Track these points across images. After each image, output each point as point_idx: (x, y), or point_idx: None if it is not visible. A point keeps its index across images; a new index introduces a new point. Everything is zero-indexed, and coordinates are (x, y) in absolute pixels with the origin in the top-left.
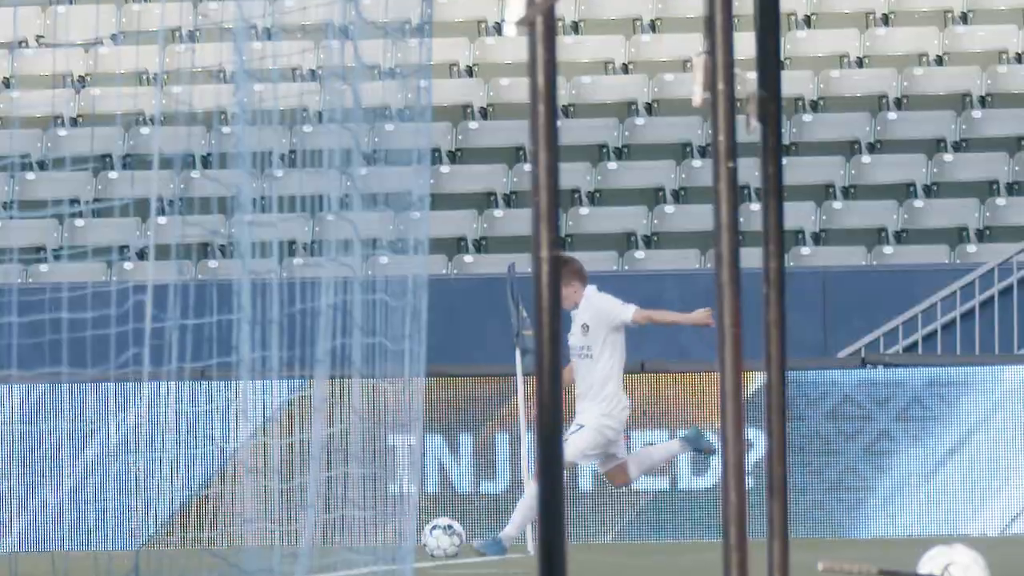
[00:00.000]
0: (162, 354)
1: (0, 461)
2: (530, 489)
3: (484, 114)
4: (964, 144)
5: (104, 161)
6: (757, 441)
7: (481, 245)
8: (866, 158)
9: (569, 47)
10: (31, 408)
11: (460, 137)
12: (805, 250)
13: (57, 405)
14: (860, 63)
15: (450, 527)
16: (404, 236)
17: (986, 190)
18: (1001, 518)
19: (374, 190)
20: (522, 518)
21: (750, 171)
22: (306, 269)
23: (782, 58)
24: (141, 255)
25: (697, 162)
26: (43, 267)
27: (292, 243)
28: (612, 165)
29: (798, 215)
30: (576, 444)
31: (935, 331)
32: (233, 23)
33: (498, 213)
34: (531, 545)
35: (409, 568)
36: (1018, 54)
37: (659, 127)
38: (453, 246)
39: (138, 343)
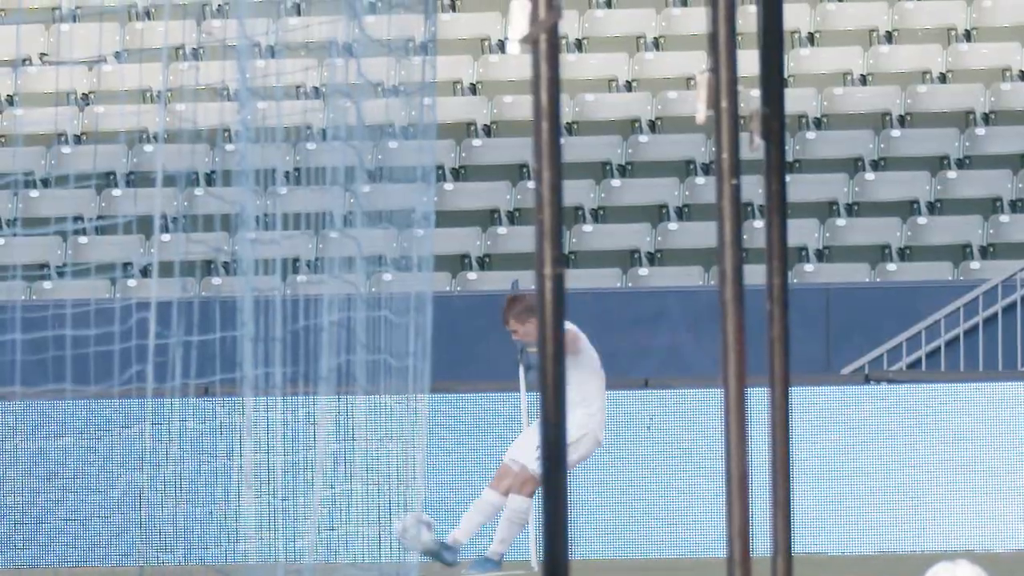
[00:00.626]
0: (166, 371)
1: (2, 477)
2: (512, 503)
3: (488, 131)
4: (967, 161)
5: (108, 178)
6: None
7: (485, 262)
8: (870, 175)
9: (572, 65)
10: (34, 425)
11: (464, 154)
12: (808, 267)
13: (60, 422)
14: (863, 80)
15: (425, 521)
16: (408, 253)
17: (989, 207)
18: (1006, 534)
19: (378, 207)
20: (507, 532)
21: (753, 188)
22: (309, 286)
23: (785, 75)
24: (145, 272)
25: (701, 179)
26: (46, 284)
27: (295, 260)
28: (616, 182)
29: (801, 232)
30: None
31: (939, 348)
32: (236, 41)
33: (502, 230)
34: (535, 560)
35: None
36: (1021, 71)
37: (663, 144)
38: (457, 263)
39: (142, 360)
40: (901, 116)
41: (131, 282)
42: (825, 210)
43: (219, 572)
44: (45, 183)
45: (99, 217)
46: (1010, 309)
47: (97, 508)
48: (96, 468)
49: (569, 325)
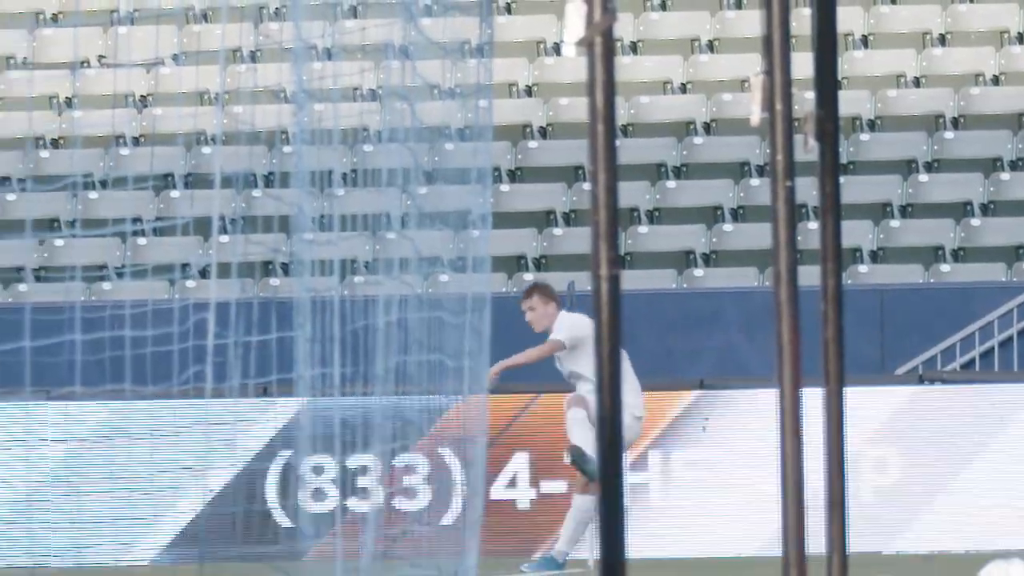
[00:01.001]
0: (224, 371)
1: (58, 477)
2: (577, 502)
3: (543, 133)
4: (1020, 163)
5: (166, 180)
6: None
7: (541, 263)
8: (923, 177)
9: (627, 67)
10: (93, 424)
11: (520, 156)
12: (863, 268)
13: (119, 421)
14: (917, 83)
15: None
16: (464, 254)
17: None
18: None
19: (434, 209)
20: (573, 532)
21: (808, 190)
22: (366, 287)
23: (839, 78)
24: (203, 273)
25: (755, 181)
26: (105, 285)
27: (353, 261)
28: (671, 184)
29: (856, 233)
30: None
31: (992, 348)
32: (293, 44)
33: (558, 231)
34: (591, 560)
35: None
36: None
37: (717, 146)
38: (513, 264)
39: (200, 360)
40: (954, 118)
41: (189, 283)
42: (879, 211)
43: (279, 570)
44: (104, 184)
45: (157, 218)
46: None
47: (156, 507)
48: (155, 466)
49: (585, 320)
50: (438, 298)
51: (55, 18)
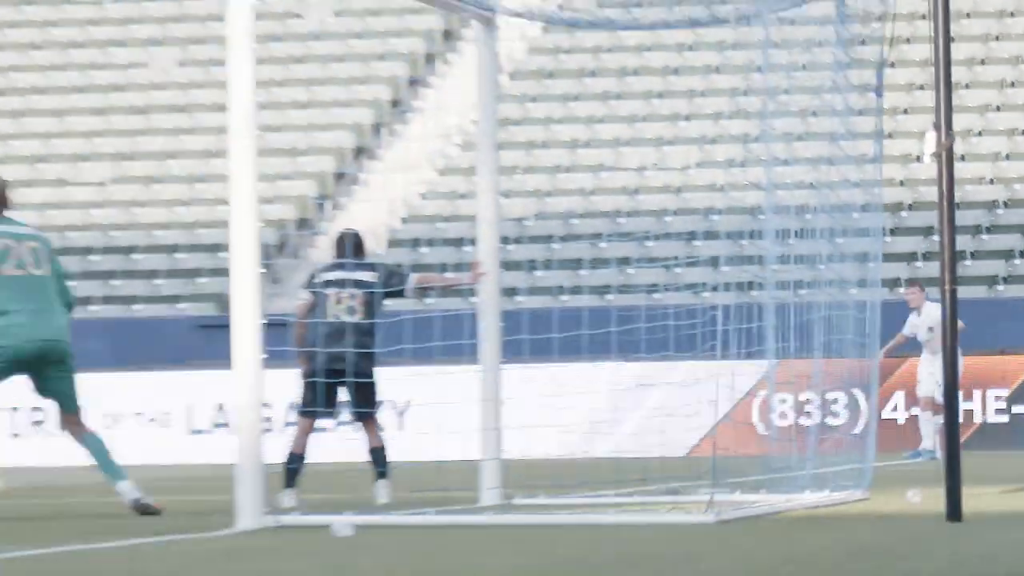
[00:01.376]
0: (727, 344)
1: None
2: (922, 416)
3: (910, 207)
4: None
5: (692, 235)
6: None
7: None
8: None
9: (959, 168)
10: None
11: (895, 221)
12: None
13: (659, 375)
14: None
15: None
16: (864, 277)
17: None
18: None
19: (847, 252)
20: (931, 434)
21: None
22: (807, 296)
23: None
24: (713, 288)
25: None
26: (656, 295)
27: (799, 281)
28: (984, 236)
29: None
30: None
31: None
32: (766, 157)
33: (918, 264)
34: (939, 452)
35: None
36: None
37: (1011, 215)
38: (892, 283)
39: (712, 338)
40: None
41: (705, 294)
42: None
43: (752, 459)
44: (656, 237)
45: (687, 256)
46: None
47: (683, 427)
48: (690, 399)
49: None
50: (849, 303)
51: (586, 144)
